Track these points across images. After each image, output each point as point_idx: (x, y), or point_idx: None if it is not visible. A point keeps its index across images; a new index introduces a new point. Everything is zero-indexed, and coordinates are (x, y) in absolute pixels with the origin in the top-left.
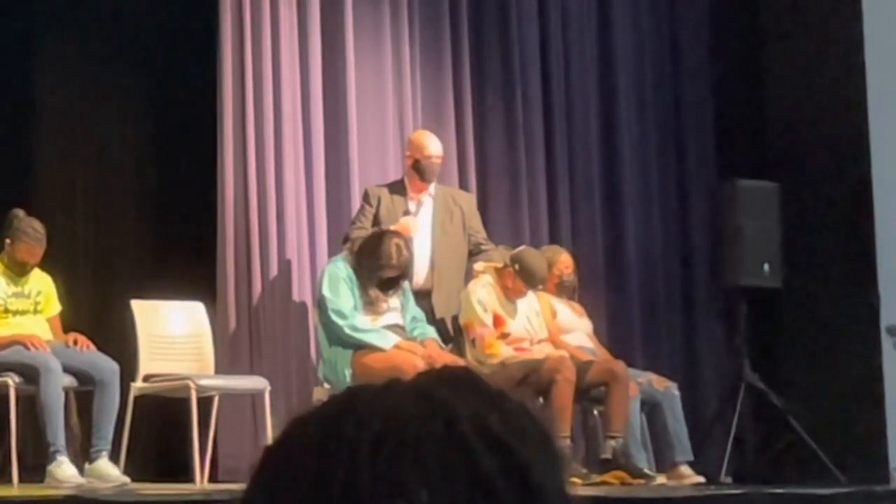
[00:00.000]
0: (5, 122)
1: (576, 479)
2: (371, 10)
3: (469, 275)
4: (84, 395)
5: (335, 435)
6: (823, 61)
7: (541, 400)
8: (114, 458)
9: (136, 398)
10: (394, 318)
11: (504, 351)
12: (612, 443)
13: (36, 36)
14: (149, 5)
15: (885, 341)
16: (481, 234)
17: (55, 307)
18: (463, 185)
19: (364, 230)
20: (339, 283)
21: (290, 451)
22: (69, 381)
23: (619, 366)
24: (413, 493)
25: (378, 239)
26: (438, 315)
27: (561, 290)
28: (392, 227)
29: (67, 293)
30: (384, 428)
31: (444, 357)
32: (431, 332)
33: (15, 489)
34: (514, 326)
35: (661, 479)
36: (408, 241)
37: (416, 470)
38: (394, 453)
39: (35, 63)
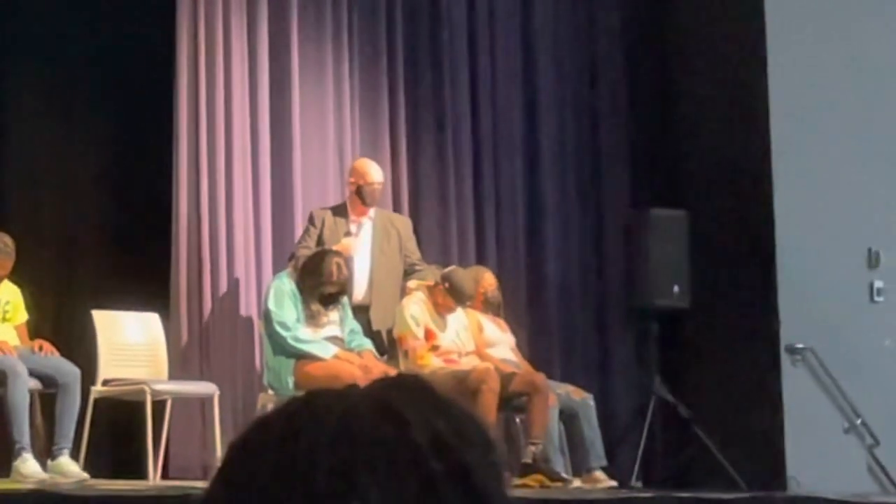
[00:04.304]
0: None
1: None
2: (315, 50)
3: (403, 292)
4: (48, 397)
5: (295, 434)
6: (730, 100)
7: None
8: (74, 455)
9: (96, 401)
10: (333, 330)
11: (434, 362)
12: (533, 448)
13: (4, 71)
14: (111, 49)
15: (785, 359)
16: (416, 256)
17: (22, 316)
18: (397, 208)
19: (308, 249)
20: (283, 297)
21: (253, 449)
22: (34, 384)
23: (540, 378)
24: (365, 491)
25: (320, 258)
26: (375, 328)
27: (487, 306)
28: (334, 247)
29: (34, 303)
30: (340, 430)
31: (380, 367)
32: (368, 343)
33: None
34: (444, 340)
35: (577, 483)
36: (348, 260)
37: (368, 470)
38: (348, 453)
39: (3, 97)
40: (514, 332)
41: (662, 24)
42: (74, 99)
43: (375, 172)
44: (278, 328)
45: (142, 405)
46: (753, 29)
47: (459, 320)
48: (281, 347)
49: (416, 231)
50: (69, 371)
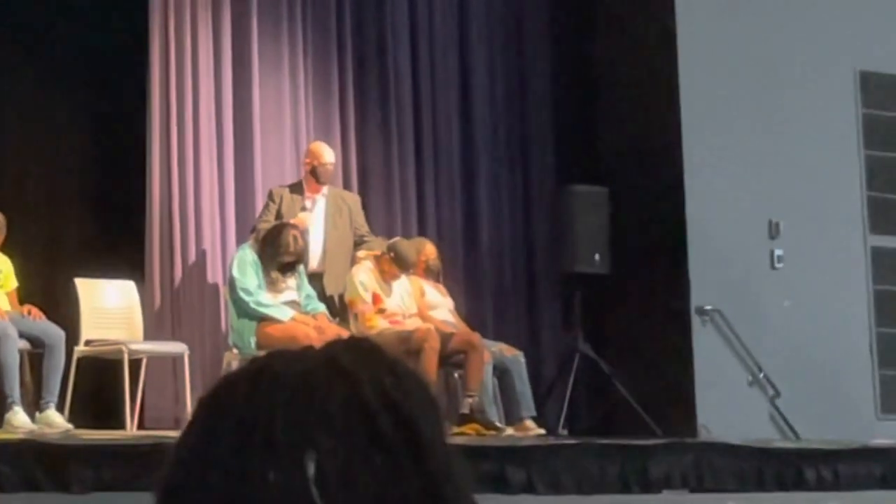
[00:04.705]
0: None
1: None
2: (272, 47)
3: (353, 261)
4: (36, 357)
5: (257, 391)
6: (645, 89)
7: None
8: (60, 408)
9: (79, 359)
10: (291, 295)
11: (381, 324)
12: (469, 400)
13: None
14: (91, 40)
15: (695, 319)
16: (364, 228)
17: (13, 283)
18: (347, 186)
19: (268, 223)
20: (246, 266)
21: (219, 403)
22: (24, 344)
23: (476, 337)
24: (319, 442)
25: (279, 230)
26: (328, 293)
27: (428, 273)
28: (291, 221)
29: (23, 272)
30: (298, 387)
31: (333, 328)
32: (322, 307)
33: None
34: (390, 304)
35: (509, 431)
36: (303, 233)
37: (322, 423)
38: (305, 408)
39: None
40: (453, 296)
41: (586, 24)
42: (57, 88)
43: (328, 154)
44: (242, 294)
45: (120, 363)
46: (666, 23)
47: (403, 286)
48: (244, 311)
49: (364, 206)
50: (55, 333)
